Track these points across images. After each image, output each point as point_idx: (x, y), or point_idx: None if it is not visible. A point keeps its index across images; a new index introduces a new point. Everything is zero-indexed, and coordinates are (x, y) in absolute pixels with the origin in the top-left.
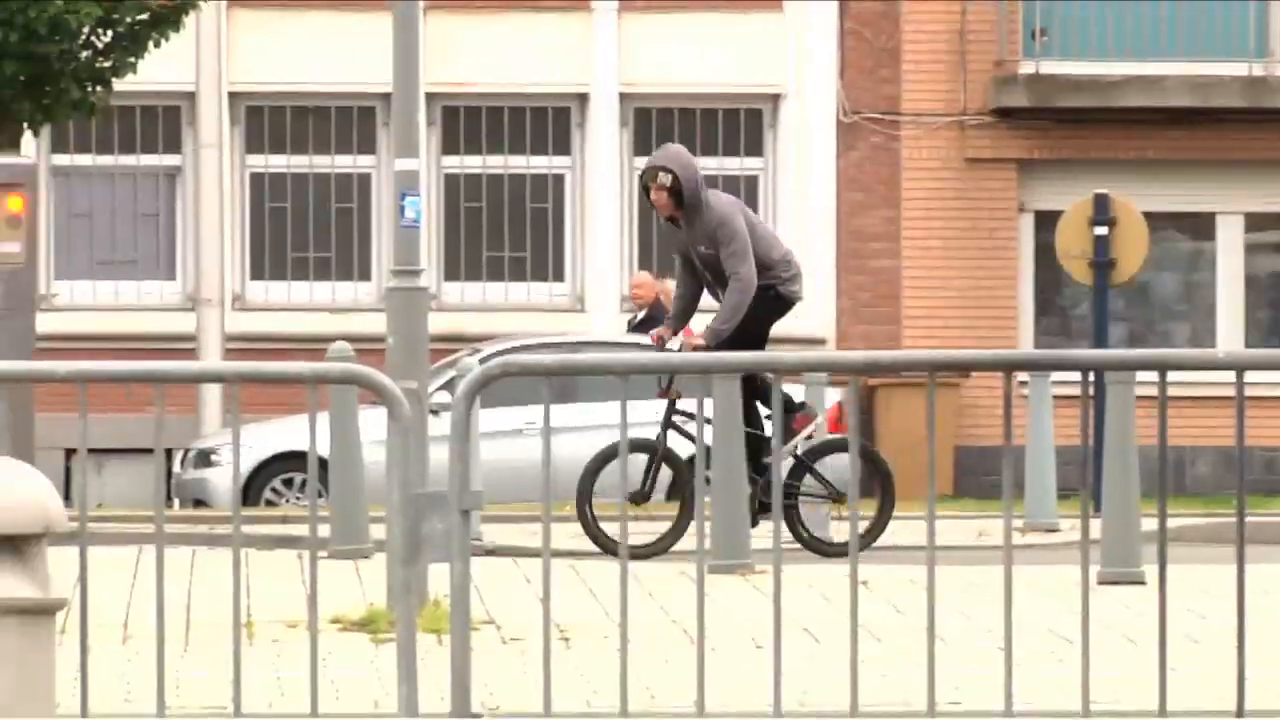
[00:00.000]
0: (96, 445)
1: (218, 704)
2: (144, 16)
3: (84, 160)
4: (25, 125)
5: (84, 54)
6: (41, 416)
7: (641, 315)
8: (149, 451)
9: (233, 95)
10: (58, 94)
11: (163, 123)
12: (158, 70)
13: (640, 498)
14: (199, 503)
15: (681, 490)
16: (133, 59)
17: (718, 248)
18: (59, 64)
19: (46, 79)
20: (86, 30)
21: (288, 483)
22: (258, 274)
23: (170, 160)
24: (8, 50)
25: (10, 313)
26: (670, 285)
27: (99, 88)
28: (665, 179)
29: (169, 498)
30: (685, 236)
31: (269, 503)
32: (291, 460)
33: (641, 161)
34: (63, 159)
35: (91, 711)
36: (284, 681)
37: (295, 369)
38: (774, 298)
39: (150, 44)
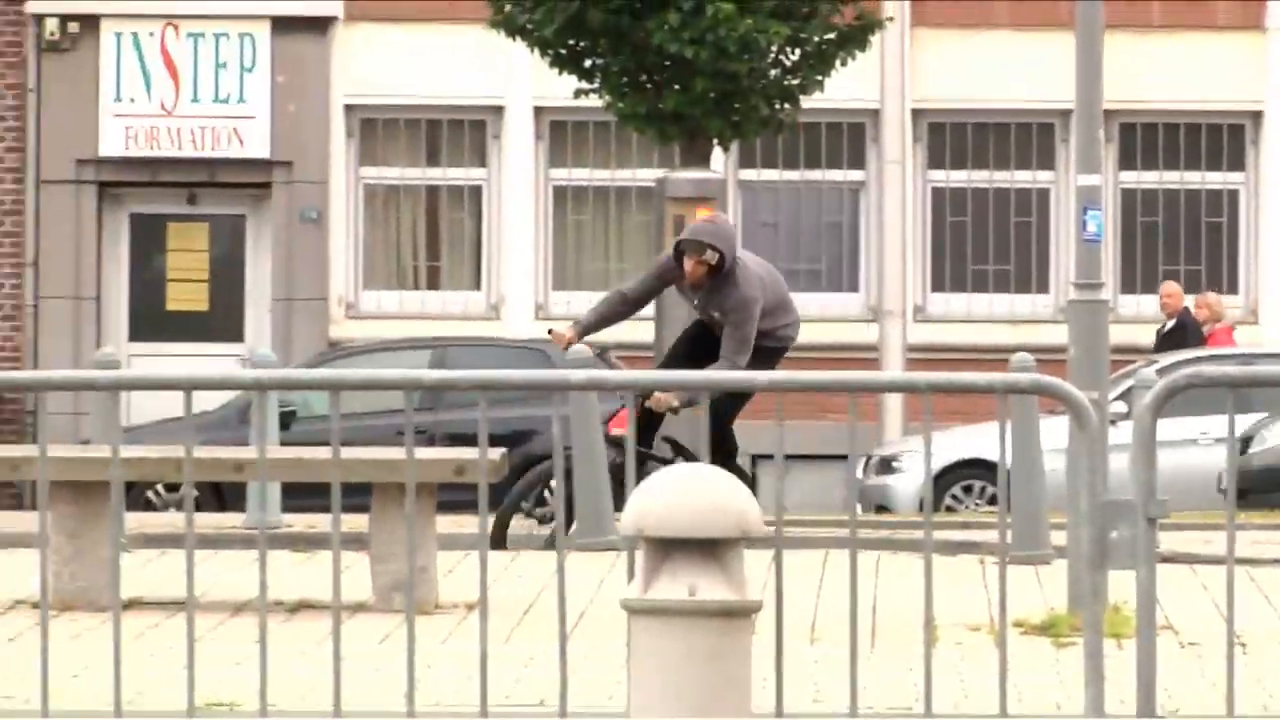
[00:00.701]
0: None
1: (903, 705)
2: (831, 36)
3: (770, 175)
4: (716, 141)
5: (772, 72)
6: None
7: (1171, 325)
8: (829, 458)
9: (915, 112)
10: (747, 111)
11: (847, 139)
12: (842, 88)
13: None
14: (880, 508)
15: None
16: (819, 77)
17: (725, 323)
18: (748, 82)
19: (736, 96)
20: (775, 49)
21: (967, 489)
22: (938, 286)
23: (854, 175)
24: (700, 68)
25: None
26: (1211, 298)
27: (786, 105)
28: (712, 257)
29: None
30: (698, 299)
31: (949, 509)
32: (970, 468)
33: None
34: (750, 173)
35: (785, 711)
36: (967, 683)
37: (985, 379)
38: (764, 350)
39: (836, 63)
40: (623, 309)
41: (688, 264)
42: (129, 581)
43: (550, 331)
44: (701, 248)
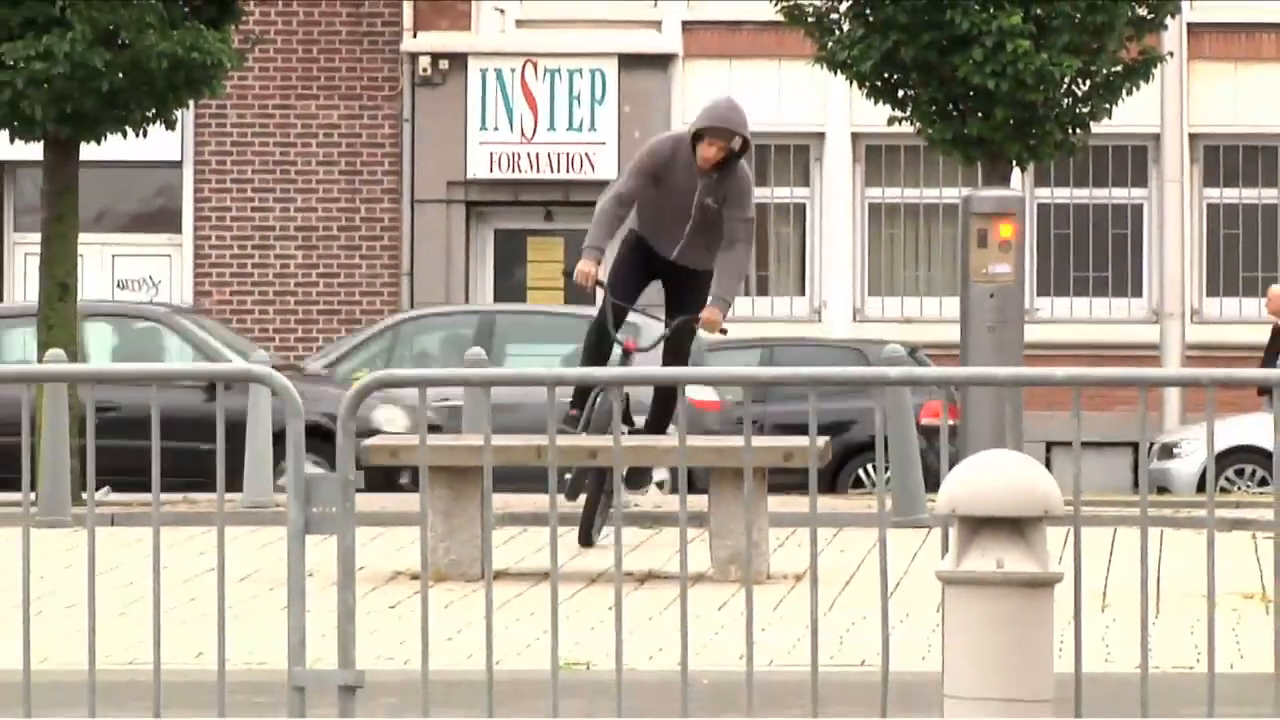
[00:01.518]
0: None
1: (1185, 663)
2: (1118, 69)
3: (1062, 193)
4: (1014, 162)
5: (1065, 101)
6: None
7: None
8: (1112, 445)
9: (1192, 136)
10: (1043, 135)
11: (1131, 160)
12: (1127, 115)
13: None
14: (1161, 489)
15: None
16: (1107, 105)
17: (730, 207)
18: (1043, 110)
19: (1033, 123)
20: (1068, 81)
21: (1239, 472)
22: (1213, 291)
23: (1137, 193)
24: (1000, 98)
25: (1003, 325)
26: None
27: (1078, 130)
28: (737, 143)
29: (1135, 486)
30: (700, 185)
31: (1223, 490)
32: (1243, 453)
33: None
34: (1044, 192)
35: (1083, 670)
36: (1242, 645)
37: (1263, 374)
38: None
39: (1122, 92)
40: (624, 213)
41: (708, 150)
42: (495, 555)
43: (572, 273)
44: (731, 135)
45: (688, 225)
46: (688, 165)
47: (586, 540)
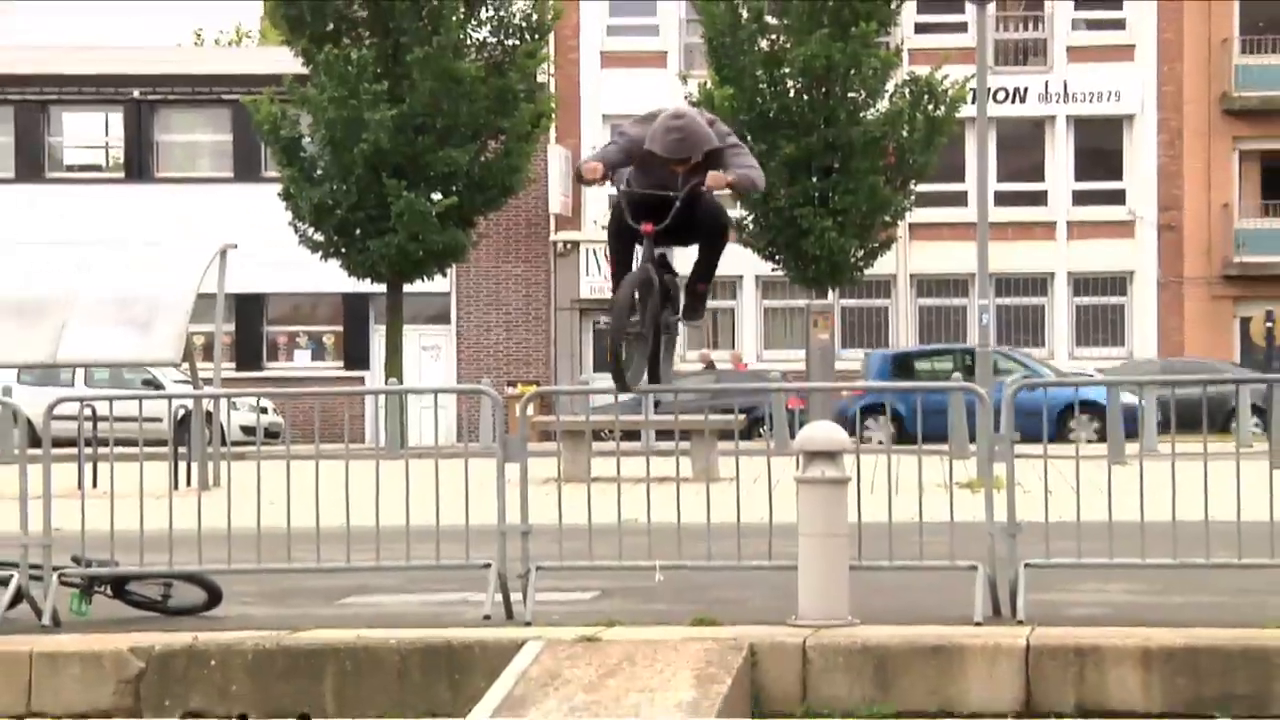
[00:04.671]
0: None
1: (913, 518)
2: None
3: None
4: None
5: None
6: None
7: None
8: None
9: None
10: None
11: None
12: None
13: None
14: None
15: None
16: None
17: (716, 162)
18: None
19: (834, 273)
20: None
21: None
22: None
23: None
24: (820, 270)
25: (824, 362)
26: None
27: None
28: (699, 155)
29: None
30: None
31: None
32: None
33: None
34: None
35: None
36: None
37: None
38: None
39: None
40: (621, 158)
41: (675, 166)
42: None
43: (580, 173)
44: (686, 160)
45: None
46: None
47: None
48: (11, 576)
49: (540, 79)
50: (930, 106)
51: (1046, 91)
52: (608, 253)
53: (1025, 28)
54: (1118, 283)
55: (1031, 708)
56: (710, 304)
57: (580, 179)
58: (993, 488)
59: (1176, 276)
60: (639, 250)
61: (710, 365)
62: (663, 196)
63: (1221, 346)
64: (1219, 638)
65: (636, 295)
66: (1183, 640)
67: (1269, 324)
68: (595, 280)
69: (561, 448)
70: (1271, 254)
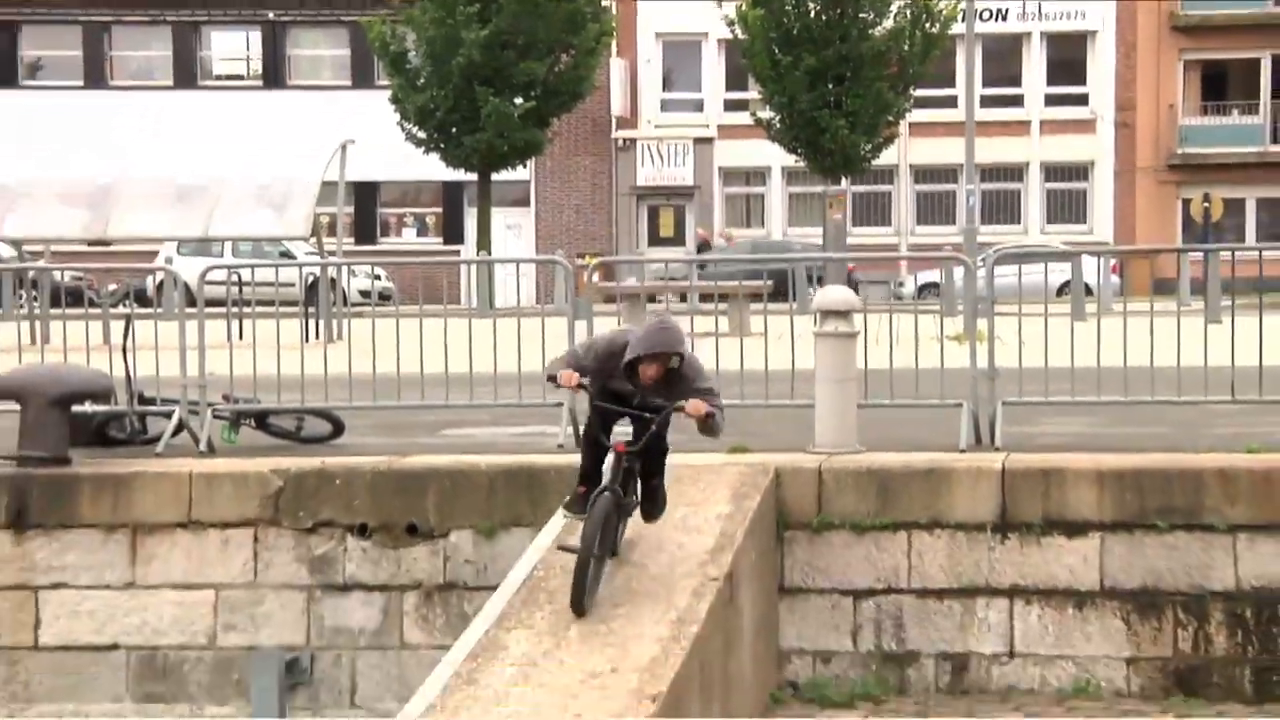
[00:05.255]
0: None
1: (911, 365)
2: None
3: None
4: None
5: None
6: None
7: None
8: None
9: None
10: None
11: None
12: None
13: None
14: None
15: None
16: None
17: (685, 395)
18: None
19: (847, 163)
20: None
21: None
22: None
23: None
24: (835, 159)
25: (838, 237)
26: None
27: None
28: (676, 361)
29: None
30: (640, 390)
31: None
32: None
33: None
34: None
35: None
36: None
37: None
38: None
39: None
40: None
41: (649, 369)
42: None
43: (555, 377)
44: (669, 357)
45: (639, 401)
46: (630, 377)
47: (580, 608)
48: (174, 411)
49: (604, 2)
50: (927, 24)
51: (1024, 11)
52: (580, 447)
53: None
54: (1081, 171)
55: (1006, 519)
56: (743, 190)
57: (553, 382)
58: (976, 340)
59: (1130, 166)
60: (609, 460)
61: (707, 243)
62: (637, 415)
63: (1167, 224)
64: (1160, 461)
65: (603, 526)
66: (1130, 463)
67: (1205, 204)
68: (649, 170)
69: (621, 308)
70: (1209, 147)
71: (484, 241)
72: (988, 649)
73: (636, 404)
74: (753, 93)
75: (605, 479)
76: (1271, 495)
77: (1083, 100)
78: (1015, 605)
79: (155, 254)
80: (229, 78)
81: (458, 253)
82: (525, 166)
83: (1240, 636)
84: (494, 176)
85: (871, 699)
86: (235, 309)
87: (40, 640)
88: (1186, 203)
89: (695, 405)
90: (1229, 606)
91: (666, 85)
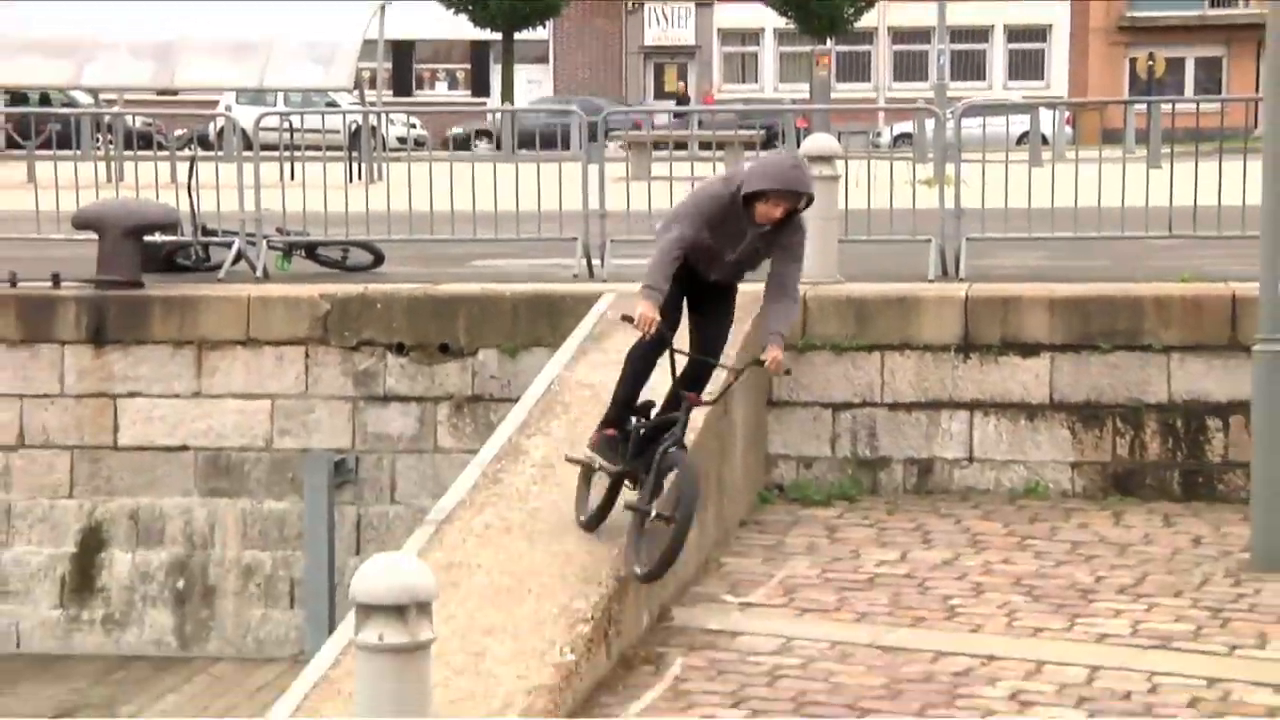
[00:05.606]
0: None
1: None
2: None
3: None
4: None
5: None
6: None
7: None
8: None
9: None
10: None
11: None
12: None
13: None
14: None
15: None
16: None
17: (786, 261)
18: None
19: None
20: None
21: None
22: None
23: None
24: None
25: (822, 90)
26: None
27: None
28: (804, 204)
29: None
30: (752, 233)
31: None
32: None
33: None
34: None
35: None
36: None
37: None
38: None
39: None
40: (682, 255)
41: (772, 210)
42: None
43: (630, 318)
44: (799, 196)
45: (734, 257)
46: (740, 215)
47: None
48: (234, 242)
49: None
50: None
51: None
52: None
53: None
54: (1040, 33)
55: (969, 341)
56: (739, 49)
57: (634, 323)
58: (945, 183)
59: (1084, 28)
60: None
61: (685, 97)
62: (703, 361)
63: (1116, 80)
64: (1105, 290)
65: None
66: (1079, 292)
67: (1150, 63)
68: (655, 31)
69: (629, 154)
70: (1155, 10)
71: (507, 94)
72: (950, 455)
73: (714, 280)
74: None
75: (677, 432)
76: (1201, 319)
77: None
78: (975, 417)
79: (216, 102)
80: None
81: (484, 104)
82: (545, 27)
83: (1171, 443)
84: (517, 36)
85: (847, 498)
86: (287, 152)
87: (119, 441)
88: (1133, 61)
89: (775, 359)
90: (1162, 417)
91: None
